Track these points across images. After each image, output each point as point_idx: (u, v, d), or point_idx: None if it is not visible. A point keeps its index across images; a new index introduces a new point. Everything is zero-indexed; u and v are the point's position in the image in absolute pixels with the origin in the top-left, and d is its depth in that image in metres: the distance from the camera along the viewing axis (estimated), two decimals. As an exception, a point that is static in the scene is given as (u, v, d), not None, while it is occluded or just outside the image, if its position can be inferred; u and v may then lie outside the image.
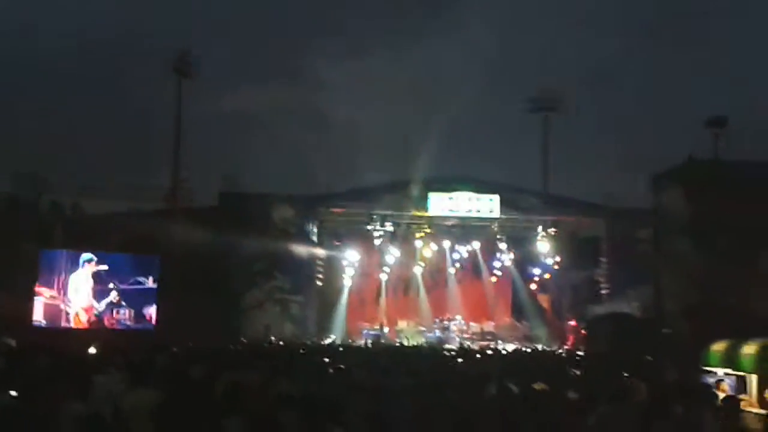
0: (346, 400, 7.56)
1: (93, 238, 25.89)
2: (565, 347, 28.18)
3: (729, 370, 15.26)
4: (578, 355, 21.24)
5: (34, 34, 48.04)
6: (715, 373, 15.58)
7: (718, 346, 16.51)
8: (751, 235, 21.49)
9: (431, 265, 33.76)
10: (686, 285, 22.38)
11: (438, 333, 31.24)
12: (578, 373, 13.47)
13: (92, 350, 14.11)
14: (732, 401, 9.28)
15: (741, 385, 14.70)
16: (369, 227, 30.83)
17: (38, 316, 24.32)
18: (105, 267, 25.04)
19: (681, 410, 8.52)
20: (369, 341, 28.87)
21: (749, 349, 14.85)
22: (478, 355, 18.84)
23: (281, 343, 24.25)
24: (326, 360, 13.94)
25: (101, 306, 24.99)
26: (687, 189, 22.99)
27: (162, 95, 34.89)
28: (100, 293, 25.00)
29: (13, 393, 7.21)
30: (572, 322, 30.46)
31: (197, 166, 35.19)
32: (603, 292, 29.77)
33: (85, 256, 24.99)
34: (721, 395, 13.85)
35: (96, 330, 24.23)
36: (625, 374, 12.50)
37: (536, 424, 7.55)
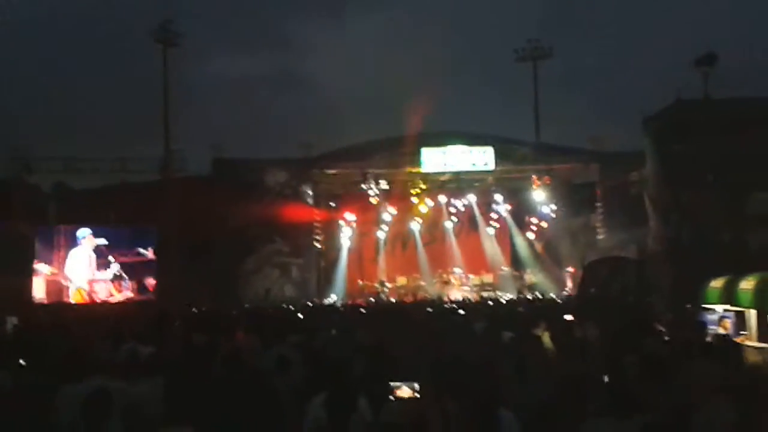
0: (349, 360, 7.61)
1: (89, 213, 25.86)
2: (564, 293, 28.36)
3: (728, 306, 15.41)
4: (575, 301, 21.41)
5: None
6: (715, 310, 15.76)
7: (716, 283, 16.63)
8: (743, 172, 21.52)
9: (428, 220, 33.77)
10: (680, 224, 22.46)
11: (438, 287, 31.45)
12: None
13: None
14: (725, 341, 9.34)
15: (741, 320, 14.87)
16: (364, 186, 30.73)
17: (39, 293, 24.45)
18: (104, 241, 25.09)
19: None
20: (371, 299, 29.09)
21: (747, 285, 14.95)
22: (478, 306, 18.98)
23: (282, 306, 24.40)
24: (329, 320, 14.06)
25: (104, 279, 25.08)
26: (677, 129, 22.96)
27: (148, 66, 34.81)
28: (101, 267, 25.09)
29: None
30: (570, 269, 30.59)
31: (188, 135, 35.17)
32: (599, 237, 29.87)
33: (83, 231, 25.03)
34: (722, 332, 14.07)
35: (98, 304, 24.40)
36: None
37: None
